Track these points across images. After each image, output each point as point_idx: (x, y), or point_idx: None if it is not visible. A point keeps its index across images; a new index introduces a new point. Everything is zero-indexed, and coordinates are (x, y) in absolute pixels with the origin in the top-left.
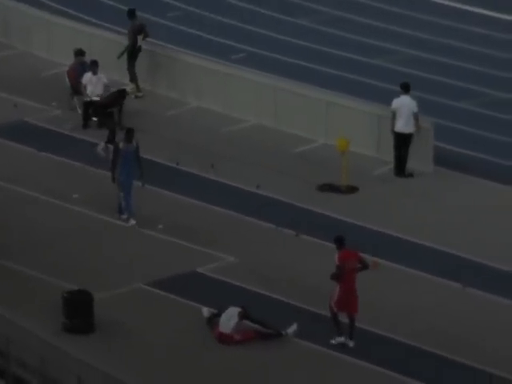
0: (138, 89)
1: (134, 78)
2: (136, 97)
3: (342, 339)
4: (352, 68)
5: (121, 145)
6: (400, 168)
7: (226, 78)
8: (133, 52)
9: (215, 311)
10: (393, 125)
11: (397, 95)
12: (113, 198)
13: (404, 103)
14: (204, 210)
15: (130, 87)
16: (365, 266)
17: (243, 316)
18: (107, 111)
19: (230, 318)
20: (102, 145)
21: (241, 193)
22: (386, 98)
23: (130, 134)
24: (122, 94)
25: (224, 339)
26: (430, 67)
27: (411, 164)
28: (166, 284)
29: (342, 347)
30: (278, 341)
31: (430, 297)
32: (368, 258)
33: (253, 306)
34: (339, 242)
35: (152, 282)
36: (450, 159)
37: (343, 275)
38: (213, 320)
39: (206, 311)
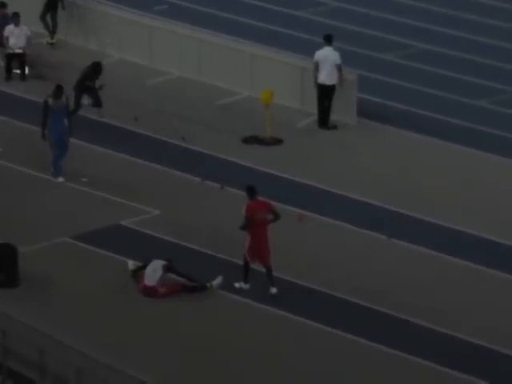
0: (51, 36)
1: (51, 27)
2: (47, 43)
3: (246, 286)
4: (276, 20)
5: (50, 101)
6: (324, 120)
7: (148, 30)
8: (51, 2)
9: (140, 264)
10: (316, 77)
11: (320, 47)
12: (37, 152)
13: (327, 55)
14: (128, 163)
15: (49, 39)
16: (276, 216)
17: (168, 269)
18: (85, 85)
19: (154, 271)
20: (86, 98)
21: (165, 146)
22: (310, 50)
23: (59, 90)
24: (97, 68)
25: (149, 292)
26: (353, 19)
27: (335, 116)
28: (91, 237)
29: (270, 298)
30: (203, 293)
31: (354, 247)
32: (294, 210)
33: (178, 258)
34: (250, 191)
35: (77, 236)
36: (373, 111)
37: (253, 225)
38: (138, 273)
39: (131, 264)
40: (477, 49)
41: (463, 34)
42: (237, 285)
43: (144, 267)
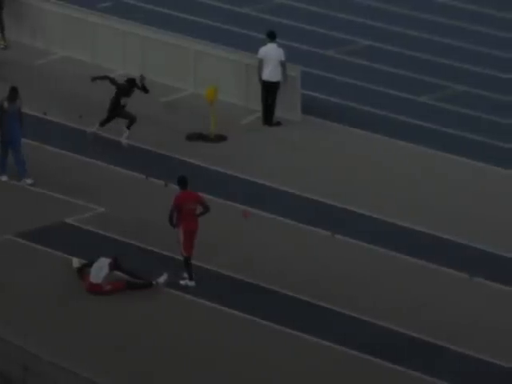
0: (3, 39)
1: (1, 28)
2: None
3: (192, 283)
4: (220, 17)
5: (5, 104)
6: (268, 117)
7: (92, 27)
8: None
9: (86, 262)
10: (260, 73)
11: (264, 43)
12: None
13: (270, 51)
14: (73, 160)
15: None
16: (206, 209)
17: (114, 266)
18: (120, 104)
19: (100, 269)
20: (125, 134)
21: (110, 142)
22: (254, 47)
23: (13, 92)
24: (131, 84)
25: (94, 290)
26: (297, 15)
27: (279, 112)
28: (36, 235)
29: (218, 297)
30: (148, 291)
31: (298, 244)
32: (238, 207)
33: (123, 256)
34: (181, 182)
35: (21, 234)
36: (317, 107)
37: (182, 217)
38: (83, 271)
39: (76, 262)
40: (418, 45)
41: (405, 30)
42: (182, 282)
43: (89, 265)
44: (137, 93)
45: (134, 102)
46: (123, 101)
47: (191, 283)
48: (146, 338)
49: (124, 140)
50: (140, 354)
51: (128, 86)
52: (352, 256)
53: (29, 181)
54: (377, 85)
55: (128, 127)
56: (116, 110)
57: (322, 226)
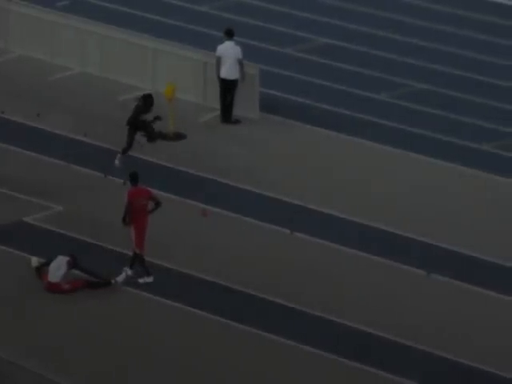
0: None
1: None
2: None
3: (150, 279)
4: (178, 15)
5: None
6: (226, 115)
7: (50, 26)
8: None
9: (44, 261)
10: (218, 71)
11: (221, 41)
12: None
13: (228, 49)
14: (31, 159)
15: None
16: (157, 204)
17: (72, 265)
18: (140, 120)
19: (58, 268)
20: (118, 156)
21: (68, 141)
22: (213, 45)
23: None
24: (147, 100)
25: (53, 289)
26: (254, 13)
27: (237, 111)
28: None
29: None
30: (107, 289)
31: (257, 242)
32: (197, 205)
33: (82, 255)
34: (132, 178)
35: None
36: (276, 105)
37: (133, 214)
38: (42, 270)
39: (34, 261)
40: (376, 42)
41: (362, 28)
42: (141, 280)
43: (48, 264)
44: (94, 92)
45: (92, 101)
46: (142, 117)
47: (149, 279)
48: (105, 337)
49: (117, 162)
50: (99, 353)
51: (144, 103)
52: (312, 254)
53: None
54: (335, 82)
55: (123, 152)
56: (135, 124)
57: (282, 224)
